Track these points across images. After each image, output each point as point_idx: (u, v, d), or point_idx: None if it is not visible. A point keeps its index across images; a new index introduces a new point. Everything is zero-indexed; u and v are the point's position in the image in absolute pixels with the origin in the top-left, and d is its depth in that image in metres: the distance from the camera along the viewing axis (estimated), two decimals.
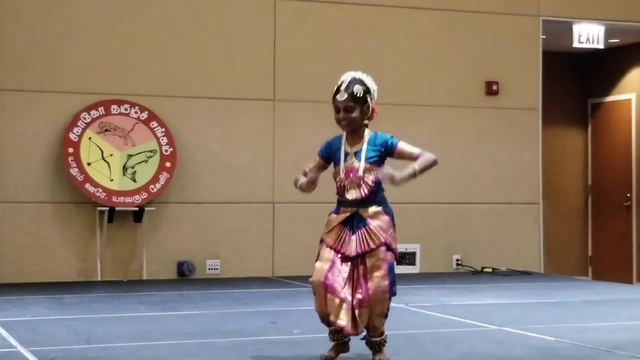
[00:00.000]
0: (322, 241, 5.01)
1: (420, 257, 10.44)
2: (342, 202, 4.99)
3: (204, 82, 9.86)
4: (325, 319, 4.92)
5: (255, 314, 7.05)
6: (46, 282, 9.08)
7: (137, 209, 9.36)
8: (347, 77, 5.17)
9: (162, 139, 9.51)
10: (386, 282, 4.86)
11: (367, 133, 5.05)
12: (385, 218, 4.96)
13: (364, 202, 4.93)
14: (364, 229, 4.90)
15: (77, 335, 6.04)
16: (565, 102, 12.95)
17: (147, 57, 9.72)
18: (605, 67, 12.78)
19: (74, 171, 9.20)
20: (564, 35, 11.34)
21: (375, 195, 4.96)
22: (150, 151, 9.47)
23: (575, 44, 11.32)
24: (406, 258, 10.37)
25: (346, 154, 5.01)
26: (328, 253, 4.95)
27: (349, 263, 4.91)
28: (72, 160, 9.21)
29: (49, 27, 9.44)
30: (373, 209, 4.95)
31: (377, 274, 4.86)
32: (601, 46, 11.45)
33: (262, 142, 9.99)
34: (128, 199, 9.32)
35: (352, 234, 4.91)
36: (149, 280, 9.41)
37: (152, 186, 9.41)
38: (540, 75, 10.99)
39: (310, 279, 4.98)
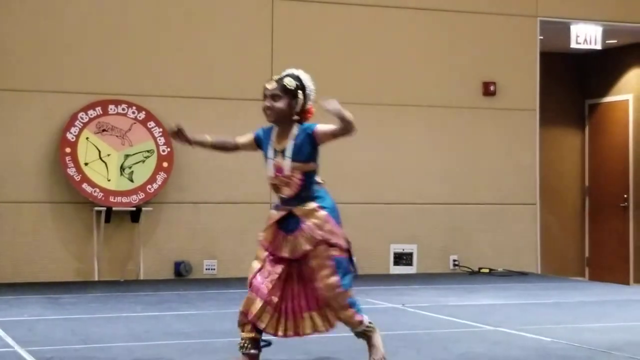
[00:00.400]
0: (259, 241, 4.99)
1: (417, 257, 10.44)
2: (279, 198, 4.95)
3: (202, 82, 9.86)
4: (244, 317, 4.85)
5: None
6: (43, 282, 9.07)
7: (134, 209, 9.36)
8: (285, 71, 4.98)
9: (160, 139, 9.50)
10: (335, 278, 4.77)
11: (296, 129, 4.87)
12: (321, 214, 4.84)
13: (299, 199, 4.86)
14: (297, 231, 4.82)
15: (74, 335, 6.04)
16: (563, 103, 12.95)
17: (145, 57, 9.72)
18: (602, 68, 12.79)
19: (72, 171, 9.20)
20: (561, 36, 11.35)
21: (309, 191, 4.88)
22: (148, 151, 9.47)
23: (573, 45, 11.32)
24: (403, 258, 10.38)
25: (275, 152, 4.90)
26: (261, 252, 4.93)
27: (282, 265, 4.86)
28: (69, 160, 9.21)
29: (46, 27, 9.44)
30: (308, 206, 4.85)
31: (323, 272, 4.77)
32: (599, 47, 11.46)
33: None
34: (125, 199, 9.32)
35: (287, 235, 4.86)
36: (146, 280, 9.41)
37: (149, 186, 9.41)
38: (537, 75, 11.00)
39: None
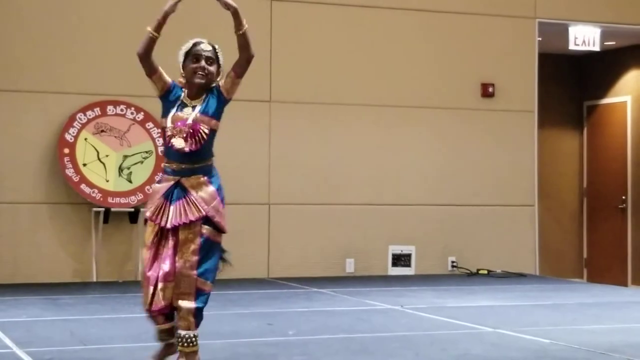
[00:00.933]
0: (145, 220, 4.74)
1: (416, 258, 10.44)
2: (166, 169, 4.72)
3: None
4: (146, 312, 4.72)
5: (251, 316, 7.05)
6: (41, 283, 9.07)
7: (132, 209, 9.36)
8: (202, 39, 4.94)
9: (158, 140, 9.50)
10: (195, 258, 4.56)
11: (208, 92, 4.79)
12: (210, 189, 4.64)
13: (191, 170, 4.64)
14: (183, 199, 4.59)
15: (72, 336, 6.04)
16: (561, 105, 12.97)
17: None
18: (601, 69, 12.80)
19: (70, 172, 9.20)
20: (560, 38, 11.36)
21: (206, 157, 4.69)
22: (146, 152, 9.47)
23: (571, 46, 11.33)
24: (401, 260, 10.38)
25: (183, 105, 4.76)
26: (149, 234, 4.67)
27: (165, 238, 4.63)
28: (67, 161, 9.21)
29: (44, 28, 9.43)
30: (196, 178, 4.64)
31: (189, 247, 4.56)
32: (597, 48, 11.47)
33: (258, 143, 10.00)
34: (124, 200, 9.32)
35: (170, 205, 4.61)
36: None
37: (147, 187, 9.40)
38: (536, 77, 11.00)
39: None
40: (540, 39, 11.06)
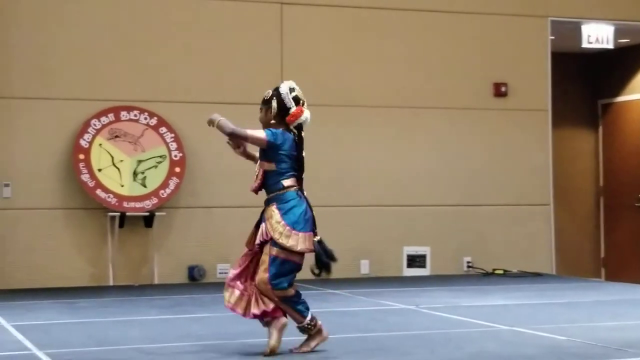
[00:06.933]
0: None
1: (431, 259, 10.43)
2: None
3: (212, 87, 9.89)
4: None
5: None
6: (59, 287, 9.11)
7: (147, 214, 9.39)
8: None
9: (172, 145, 9.53)
10: (266, 275, 5.36)
11: None
12: (276, 214, 5.50)
13: (267, 199, 5.63)
14: (263, 224, 5.56)
15: (90, 338, 6.07)
16: (575, 103, 12.93)
17: (156, 64, 9.75)
18: (615, 67, 12.76)
19: (85, 177, 9.24)
20: (572, 36, 11.33)
21: (273, 192, 5.64)
22: (160, 156, 9.50)
23: (585, 45, 11.30)
24: (416, 260, 10.37)
25: None
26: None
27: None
28: (83, 167, 9.25)
29: (59, 35, 9.48)
30: (270, 206, 5.58)
31: (261, 267, 5.42)
32: (611, 46, 11.43)
33: None
34: (138, 204, 9.35)
35: (257, 228, 5.61)
36: (160, 284, 9.43)
37: (162, 191, 9.44)
38: (549, 76, 10.98)
39: None
40: (552, 37, 11.04)
